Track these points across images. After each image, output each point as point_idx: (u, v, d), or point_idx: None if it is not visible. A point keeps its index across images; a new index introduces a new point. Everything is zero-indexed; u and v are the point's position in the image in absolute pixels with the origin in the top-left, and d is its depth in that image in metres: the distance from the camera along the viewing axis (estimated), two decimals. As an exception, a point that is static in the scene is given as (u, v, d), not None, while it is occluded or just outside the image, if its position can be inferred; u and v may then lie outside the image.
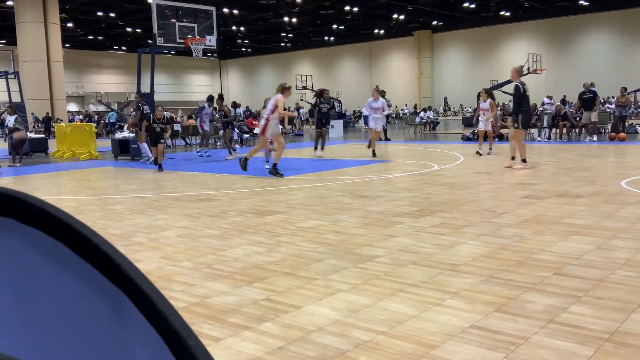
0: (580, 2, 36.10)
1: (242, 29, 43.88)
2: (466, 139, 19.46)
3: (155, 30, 15.59)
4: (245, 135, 21.91)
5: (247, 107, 37.72)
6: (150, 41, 16.73)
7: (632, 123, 20.90)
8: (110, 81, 52.77)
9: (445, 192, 8.13)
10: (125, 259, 0.41)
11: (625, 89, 21.64)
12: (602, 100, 28.21)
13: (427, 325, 3.18)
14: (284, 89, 10.42)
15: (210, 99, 16.00)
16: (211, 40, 16.61)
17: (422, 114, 29.86)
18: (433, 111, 34.12)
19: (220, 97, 16.12)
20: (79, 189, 10.04)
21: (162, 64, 45.29)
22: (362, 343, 2.95)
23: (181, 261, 4.79)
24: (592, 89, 17.87)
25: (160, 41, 15.80)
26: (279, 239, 5.52)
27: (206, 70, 61.00)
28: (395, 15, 39.11)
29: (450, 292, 3.76)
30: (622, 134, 17.90)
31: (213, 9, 17.21)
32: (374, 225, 6.02)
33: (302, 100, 39.57)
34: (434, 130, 27.05)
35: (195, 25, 16.52)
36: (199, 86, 59.28)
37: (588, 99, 17.62)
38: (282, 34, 47.94)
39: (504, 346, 2.86)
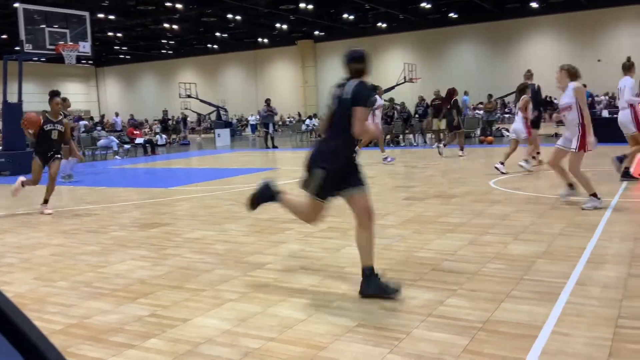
0: (450, 14, 38.63)
1: (119, 35, 42.05)
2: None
3: (22, 36, 14.51)
4: (127, 146, 21.01)
5: (131, 116, 36.18)
6: (17, 47, 15.55)
7: (499, 127, 22.65)
8: (-29, 90, 48.31)
9: (331, 197, 8.31)
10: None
11: (491, 95, 23.48)
12: (473, 107, 30.30)
13: (315, 327, 3.24)
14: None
15: (375, 88, 12.69)
16: (85, 47, 15.72)
17: (307, 121, 30.36)
18: (318, 119, 34.80)
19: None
20: (-64, 209, 9.08)
21: (32, 72, 42.13)
22: (252, 351, 2.95)
23: (57, 281, 4.49)
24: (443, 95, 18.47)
25: (28, 47, 14.72)
26: (164, 251, 5.36)
27: (81, 78, 57.66)
28: (278, 25, 39.44)
29: (338, 293, 3.86)
30: (489, 137, 19.42)
31: (87, 14, 16.32)
32: (263, 233, 6.03)
33: (186, 108, 38.65)
34: (319, 137, 27.57)
35: (67, 30, 15.57)
36: (73, 94, 55.49)
37: (436, 106, 17.82)
38: (163, 41, 46.54)
39: (388, 342, 2.99)
